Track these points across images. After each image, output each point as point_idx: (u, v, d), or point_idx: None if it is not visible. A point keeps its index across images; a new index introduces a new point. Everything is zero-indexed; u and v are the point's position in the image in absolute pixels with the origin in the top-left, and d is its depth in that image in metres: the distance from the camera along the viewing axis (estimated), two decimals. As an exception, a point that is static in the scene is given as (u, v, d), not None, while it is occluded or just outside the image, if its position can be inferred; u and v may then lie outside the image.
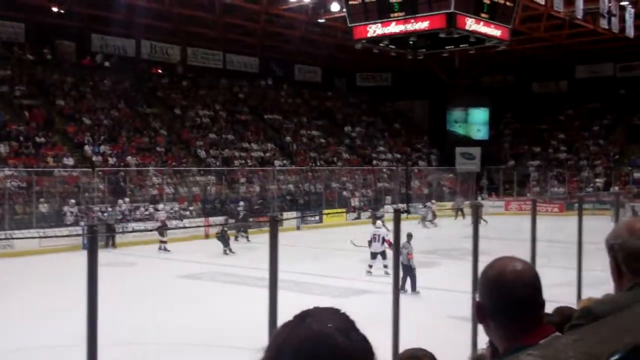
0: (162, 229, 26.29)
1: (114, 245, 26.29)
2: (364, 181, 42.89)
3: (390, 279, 6.90)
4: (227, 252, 24.67)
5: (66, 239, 23.61)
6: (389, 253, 17.75)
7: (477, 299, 1.90)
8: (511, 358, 0.98)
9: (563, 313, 3.27)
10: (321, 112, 49.13)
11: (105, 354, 6.43)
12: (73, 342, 5.23)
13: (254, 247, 25.58)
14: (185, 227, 28.04)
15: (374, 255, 19.56)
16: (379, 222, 20.77)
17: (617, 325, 1.22)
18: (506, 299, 1.82)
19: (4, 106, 32.60)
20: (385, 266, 18.55)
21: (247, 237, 28.82)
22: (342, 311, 1.25)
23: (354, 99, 53.12)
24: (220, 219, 31.91)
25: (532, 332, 1.78)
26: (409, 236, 16.95)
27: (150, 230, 25.90)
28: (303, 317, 1.21)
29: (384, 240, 19.30)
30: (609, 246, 2.25)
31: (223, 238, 25.29)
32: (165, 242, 26.04)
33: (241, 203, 33.26)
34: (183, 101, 41.18)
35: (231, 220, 31.89)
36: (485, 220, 33.08)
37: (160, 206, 29.55)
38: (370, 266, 19.49)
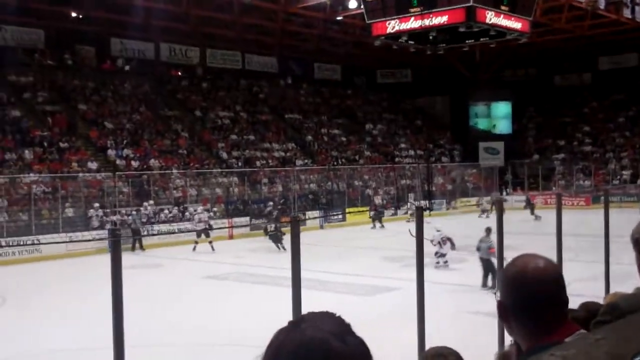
0: (207, 230, 26.58)
1: (141, 248, 26.59)
2: (386, 179, 42.80)
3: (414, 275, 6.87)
4: (280, 248, 24.69)
5: (92, 242, 23.86)
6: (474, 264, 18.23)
7: (499, 298, 1.87)
8: (533, 358, 0.97)
9: (589, 308, 3.23)
10: (341, 111, 49.11)
11: (132, 355, 6.49)
12: (99, 344, 5.27)
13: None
14: (223, 228, 29.01)
15: (443, 255, 20.32)
16: (437, 226, 21.03)
17: (642, 322, 1.21)
18: (528, 297, 1.79)
19: (27, 112, 32.99)
20: (446, 262, 20.06)
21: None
22: (337, 315, 1.25)
23: (374, 97, 53.02)
24: (244, 220, 32.01)
25: (556, 331, 1.75)
26: (488, 230, 16.96)
27: (190, 231, 26.33)
28: (297, 323, 1.22)
29: (448, 239, 20.34)
30: (635, 240, 2.22)
31: (276, 236, 25.61)
32: (211, 241, 26.35)
33: (270, 203, 33.39)
34: (203, 103, 41.38)
35: (257, 220, 32.02)
36: (538, 216, 32.74)
37: (200, 208, 29.74)
38: (439, 262, 20.14)
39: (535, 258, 1.87)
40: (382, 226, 32.41)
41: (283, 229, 27.77)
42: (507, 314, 1.84)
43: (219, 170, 35.99)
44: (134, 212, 29.40)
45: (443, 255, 20.23)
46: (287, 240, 26.54)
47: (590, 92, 51.27)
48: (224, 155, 37.69)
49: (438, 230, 20.47)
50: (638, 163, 44.51)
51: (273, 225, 27.13)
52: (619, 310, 1.96)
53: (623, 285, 3.71)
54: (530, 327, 1.80)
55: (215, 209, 33.01)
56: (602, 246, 10.29)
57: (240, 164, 37.37)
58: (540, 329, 1.78)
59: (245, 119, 41.97)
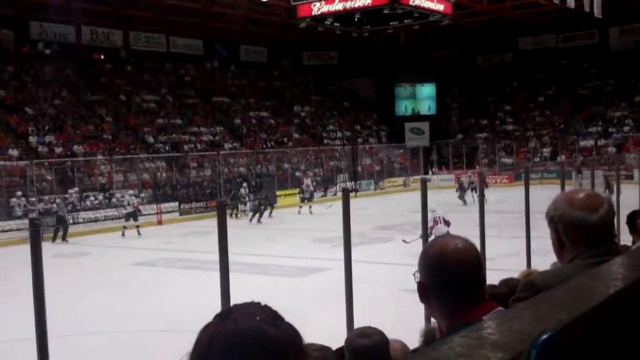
0: (135, 213, 26.09)
1: (64, 239, 25.41)
2: (315, 161, 42.96)
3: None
4: (258, 221, 27.49)
5: (16, 232, 23.12)
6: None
7: (418, 279, 1.91)
8: (447, 340, 1.00)
9: (509, 284, 3.35)
10: (269, 93, 48.93)
11: (60, 346, 6.37)
12: (27, 335, 5.15)
13: (212, 231, 25.43)
14: (159, 213, 29.27)
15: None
16: (432, 207, 19.86)
17: (554, 300, 1.26)
18: (447, 278, 1.83)
19: (-58, 99, 31.64)
20: None
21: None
22: (264, 304, 1.26)
23: (301, 79, 53.02)
24: (172, 205, 31.61)
25: (475, 309, 1.80)
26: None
27: (118, 218, 25.90)
28: (226, 315, 1.22)
29: (444, 220, 19.05)
30: (549, 218, 2.30)
31: (259, 209, 27.91)
32: (138, 225, 25.92)
33: (244, 184, 33.36)
34: (127, 87, 40.50)
35: (186, 205, 31.70)
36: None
37: (130, 192, 29.20)
38: None
39: (454, 239, 1.91)
40: (311, 212, 31.78)
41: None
42: (428, 294, 1.89)
43: (146, 155, 35.39)
44: (58, 200, 28.58)
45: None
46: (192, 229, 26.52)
47: (511, 72, 52.53)
48: (151, 139, 37.07)
49: (432, 211, 19.45)
50: (557, 141, 45.97)
51: (258, 200, 29.57)
52: (535, 287, 2.04)
53: (544, 259, 3.85)
54: (450, 307, 1.84)
55: (142, 194, 32.48)
56: (524, 222, 10.62)
57: (167, 148, 36.83)
58: (459, 307, 1.82)
59: (171, 103, 41.32)
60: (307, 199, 32.02)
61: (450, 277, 1.84)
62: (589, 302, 1.19)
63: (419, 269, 1.91)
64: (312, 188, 33.65)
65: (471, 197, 30.77)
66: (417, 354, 1.29)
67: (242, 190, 32.80)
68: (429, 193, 8.70)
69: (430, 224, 18.78)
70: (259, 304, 1.27)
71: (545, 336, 1.00)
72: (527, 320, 1.08)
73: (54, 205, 28.15)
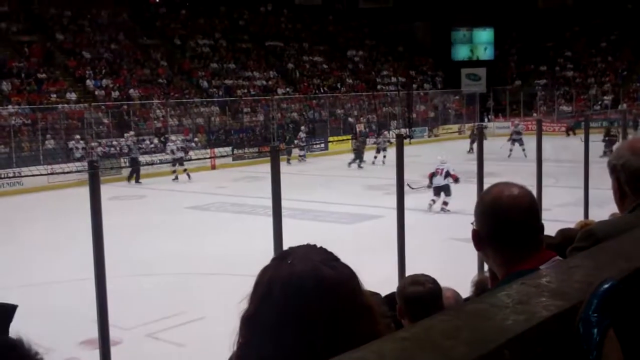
0: (181, 159, 26.37)
1: (137, 180, 25.70)
2: (368, 106, 42.68)
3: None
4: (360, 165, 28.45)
5: (75, 174, 23.70)
6: (454, 189, 17.54)
7: (474, 227, 1.89)
8: (504, 287, 0.99)
9: (565, 235, 3.29)
10: (323, 37, 48.49)
11: (116, 286, 6.56)
12: (87, 275, 5.32)
13: (265, 177, 25.70)
14: (204, 158, 29.35)
15: (437, 191, 18.12)
16: (443, 158, 19.23)
17: (615, 250, 1.23)
18: (502, 225, 1.81)
19: (3, 43, 32.29)
20: (445, 203, 17.76)
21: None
22: (320, 246, 1.29)
23: (356, 22, 52.31)
24: (225, 150, 31.92)
25: (531, 257, 1.78)
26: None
27: (169, 162, 26.18)
28: (283, 257, 1.25)
29: (448, 174, 18.00)
30: (611, 167, 2.24)
31: (359, 151, 28.79)
32: (186, 169, 26.20)
33: (302, 128, 34.19)
34: (182, 31, 40.66)
35: (239, 150, 31.97)
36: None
37: (174, 136, 29.65)
38: (434, 201, 18.05)
39: (509, 186, 1.88)
40: (361, 166, 29.43)
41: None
42: (482, 242, 1.87)
43: (200, 100, 35.67)
44: (130, 143, 29.07)
45: (439, 191, 18.09)
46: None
47: (572, 16, 50.88)
48: (205, 84, 37.30)
49: (443, 162, 18.52)
50: (619, 88, 44.63)
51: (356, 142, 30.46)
52: (594, 236, 2.00)
53: (602, 211, 3.76)
54: (505, 255, 1.82)
55: (196, 139, 32.86)
56: (582, 172, 10.40)
57: (221, 93, 37.02)
58: (515, 256, 1.80)
59: (225, 47, 41.37)
60: (382, 149, 30.05)
61: (505, 224, 1.81)
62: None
63: (474, 215, 1.90)
64: (388, 138, 31.44)
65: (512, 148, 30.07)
66: (474, 299, 1.28)
67: (301, 134, 33.03)
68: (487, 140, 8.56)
69: (430, 171, 18.41)
70: (315, 246, 1.29)
71: (606, 285, 0.98)
72: (588, 269, 1.06)
73: (129, 147, 28.60)
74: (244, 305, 1.23)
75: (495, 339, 0.82)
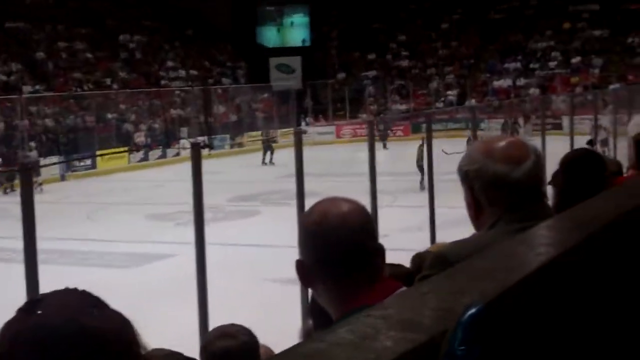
0: None
1: None
2: (150, 109, 42.27)
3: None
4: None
5: None
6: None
7: (298, 257, 1.91)
8: (346, 321, 1.03)
9: (416, 261, 3.43)
10: (85, 17, 47.46)
11: None
12: None
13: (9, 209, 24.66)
14: None
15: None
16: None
17: (474, 270, 1.32)
18: (332, 249, 1.85)
19: None
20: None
21: None
22: (82, 289, 1.30)
23: (130, -2, 51.82)
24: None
25: (372, 290, 1.82)
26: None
27: None
28: (32, 306, 1.25)
29: None
30: (463, 174, 2.35)
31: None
32: None
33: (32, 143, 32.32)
34: None
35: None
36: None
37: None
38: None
39: (336, 202, 1.94)
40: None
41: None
42: (310, 275, 1.90)
43: None
44: None
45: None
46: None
47: (407, -9, 53.24)
48: None
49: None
50: (466, 80, 47.19)
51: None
52: (446, 262, 2.09)
53: (452, 233, 3.98)
54: (340, 288, 1.86)
55: None
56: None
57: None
58: (351, 288, 1.84)
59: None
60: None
61: (335, 248, 1.85)
62: (518, 272, 1.25)
63: (298, 244, 1.93)
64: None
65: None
66: (311, 338, 1.31)
67: (33, 153, 31.91)
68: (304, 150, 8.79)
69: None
70: (75, 290, 1.30)
71: (472, 311, 1.05)
72: (442, 294, 1.13)
73: None
74: None
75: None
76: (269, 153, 34.53)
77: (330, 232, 1.86)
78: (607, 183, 3.69)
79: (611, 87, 36.85)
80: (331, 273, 1.87)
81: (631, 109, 19.39)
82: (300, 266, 1.91)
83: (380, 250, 1.94)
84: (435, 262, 2.23)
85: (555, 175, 3.78)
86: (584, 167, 3.70)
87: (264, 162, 34.31)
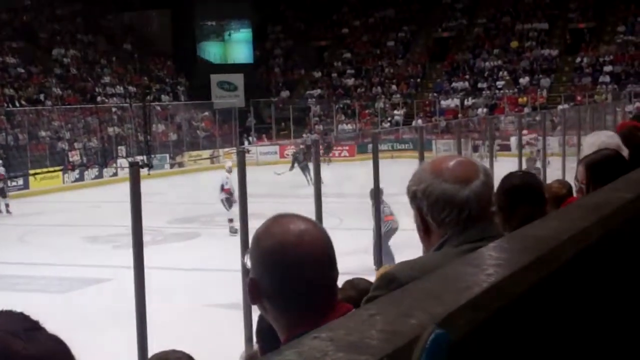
0: None
1: None
2: (85, 126, 41.93)
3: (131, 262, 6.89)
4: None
5: None
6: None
7: (251, 275, 1.89)
8: (293, 343, 1.04)
9: (359, 287, 3.44)
10: (16, 30, 47.00)
11: None
12: None
13: None
14: None
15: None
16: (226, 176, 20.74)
17: (422, 291, 1.33)
18: (291, 275, 1.84)
19: None
20: (231, 220, 19.60)
21: None
22: (19, 312, 1.29)
23: (64, 11, 51.35)
24: None
25: (327, 315, 1.79)
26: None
27: None
28: None
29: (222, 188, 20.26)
30: (411, 194, 2.37)
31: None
32: None
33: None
34: None
35: None
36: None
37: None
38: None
39: (296, 220, 1.92)
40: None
41: None
42: (262, 295, 1.89)
43: None
44: None
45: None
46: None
47: (351, 8, 53.64)
48: None
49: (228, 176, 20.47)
50: (412, 99, 47.61)
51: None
52: (396, 282, 2.11)
53: (403, 256, 4.01)
54: (293, 313, 1.86)
55: None
56: (371, 209, 10.98)
57: None
58: (306, 314, 1.83)
59: None
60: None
61: (294, 273, 1.85)
62: (467, 292, 1.27)
63: (250, 260, 1.91)
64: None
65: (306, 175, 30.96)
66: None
67: None
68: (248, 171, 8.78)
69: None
70: (9, 312, 1.28)
71: (433, 336, 1.06)
72: (390, 316, 1.14)
73: None
74: None
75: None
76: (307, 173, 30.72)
77: (288, 260, 1.84)
78: (545, 204, 3.78)
79: (559, 107, 37.43)
80: (288, 297, 1.85)
81: (580, 129, 19.71)
82: (253, 286, 1.88)
83: (337, 274, 1.94)
84: (383, 282, 2.24)
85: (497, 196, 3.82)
86: (523, 190, 3.77)
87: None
